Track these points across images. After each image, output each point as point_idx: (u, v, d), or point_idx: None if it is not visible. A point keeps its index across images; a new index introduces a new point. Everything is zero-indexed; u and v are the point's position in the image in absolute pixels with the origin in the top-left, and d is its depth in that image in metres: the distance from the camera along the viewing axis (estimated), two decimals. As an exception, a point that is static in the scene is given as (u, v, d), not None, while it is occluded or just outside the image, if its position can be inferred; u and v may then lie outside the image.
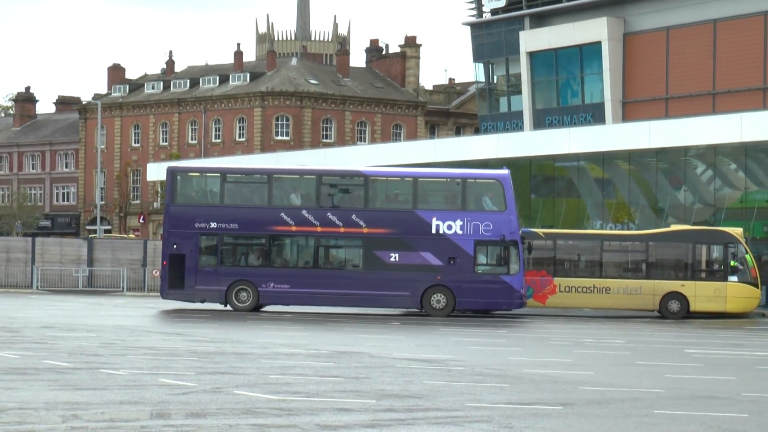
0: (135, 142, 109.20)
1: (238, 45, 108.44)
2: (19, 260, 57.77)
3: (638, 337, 33.87)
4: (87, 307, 44.23)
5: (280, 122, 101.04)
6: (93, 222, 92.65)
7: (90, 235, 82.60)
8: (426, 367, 22.82)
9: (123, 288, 56.81)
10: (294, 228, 42.05)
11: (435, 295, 41.38)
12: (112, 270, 57.49)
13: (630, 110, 61.18)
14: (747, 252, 43.70)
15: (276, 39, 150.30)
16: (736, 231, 44.42)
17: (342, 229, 41.82)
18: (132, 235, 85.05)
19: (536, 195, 58.04)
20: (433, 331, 34.49)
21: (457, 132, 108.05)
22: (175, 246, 42.15)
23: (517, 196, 43.09)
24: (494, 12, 67.52)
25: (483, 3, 67.88)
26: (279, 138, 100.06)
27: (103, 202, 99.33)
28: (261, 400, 17.38)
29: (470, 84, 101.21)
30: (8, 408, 15.97)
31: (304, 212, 42.02)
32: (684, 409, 17.61)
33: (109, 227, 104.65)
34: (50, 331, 30.33)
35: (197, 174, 46.12)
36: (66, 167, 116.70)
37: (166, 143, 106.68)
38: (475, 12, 68.86)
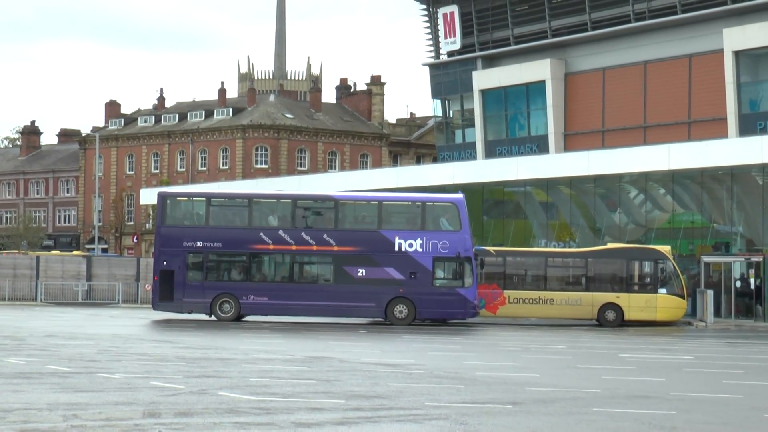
0: (129, 170, 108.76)
1: (222, 83, 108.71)
2: (25, 276, 57.37)
3: (578, 343, 33.93)
4: (86, 318, 43.98)
5: (259, 152, 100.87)
6: (92, 241, 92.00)
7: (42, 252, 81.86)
8: (390, 371, 22.77)
9: (118, 300, 56.48)
10: (272, 246, 41.98)
11: (398, 306, 41.35)
12: (109, 284, 57.15)
13: (571, 141, 61.39)
14: (675, 267, 43.89)
15: (256, 78, 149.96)
16: (665, 248, 44.61)
17: (315, 248, 41.76)
18: (79, 254, 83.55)
19: (488, 217, 58.12)
20: (396, 338, 34.44)
21: (418, 161, 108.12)
22: (165, 263, 42.02)
23: (471, 217, 43.11)
24: (450, 54, 67.66)
25: (440, 46, 68.03)
26: (258, 166, 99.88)
27: (100, 224, 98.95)
28: (242, 401, 17.31)
29: (429, 118, 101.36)
30: (14, 409, 15.87)
31: (280, 232, 41.97)
32: (620, 407, 17.65)
33: (106, 246, 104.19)
34: (53, 340, 30.13)
35: (185, 198, 45.96)
36: (67, 192, 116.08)
37: (157, 171, 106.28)
38: (433, 54, 69.00)
